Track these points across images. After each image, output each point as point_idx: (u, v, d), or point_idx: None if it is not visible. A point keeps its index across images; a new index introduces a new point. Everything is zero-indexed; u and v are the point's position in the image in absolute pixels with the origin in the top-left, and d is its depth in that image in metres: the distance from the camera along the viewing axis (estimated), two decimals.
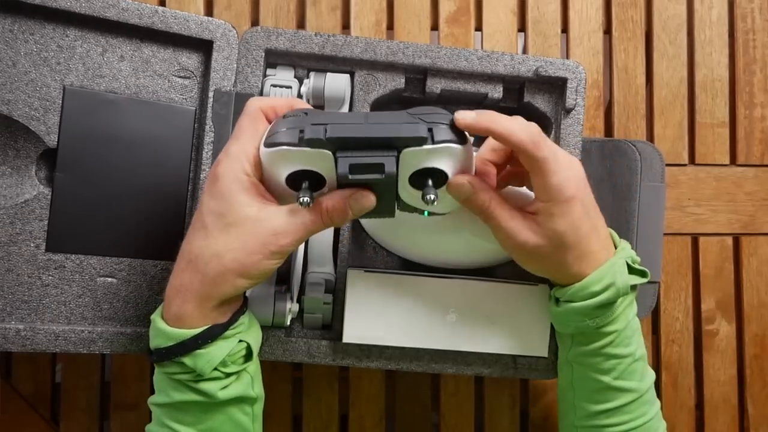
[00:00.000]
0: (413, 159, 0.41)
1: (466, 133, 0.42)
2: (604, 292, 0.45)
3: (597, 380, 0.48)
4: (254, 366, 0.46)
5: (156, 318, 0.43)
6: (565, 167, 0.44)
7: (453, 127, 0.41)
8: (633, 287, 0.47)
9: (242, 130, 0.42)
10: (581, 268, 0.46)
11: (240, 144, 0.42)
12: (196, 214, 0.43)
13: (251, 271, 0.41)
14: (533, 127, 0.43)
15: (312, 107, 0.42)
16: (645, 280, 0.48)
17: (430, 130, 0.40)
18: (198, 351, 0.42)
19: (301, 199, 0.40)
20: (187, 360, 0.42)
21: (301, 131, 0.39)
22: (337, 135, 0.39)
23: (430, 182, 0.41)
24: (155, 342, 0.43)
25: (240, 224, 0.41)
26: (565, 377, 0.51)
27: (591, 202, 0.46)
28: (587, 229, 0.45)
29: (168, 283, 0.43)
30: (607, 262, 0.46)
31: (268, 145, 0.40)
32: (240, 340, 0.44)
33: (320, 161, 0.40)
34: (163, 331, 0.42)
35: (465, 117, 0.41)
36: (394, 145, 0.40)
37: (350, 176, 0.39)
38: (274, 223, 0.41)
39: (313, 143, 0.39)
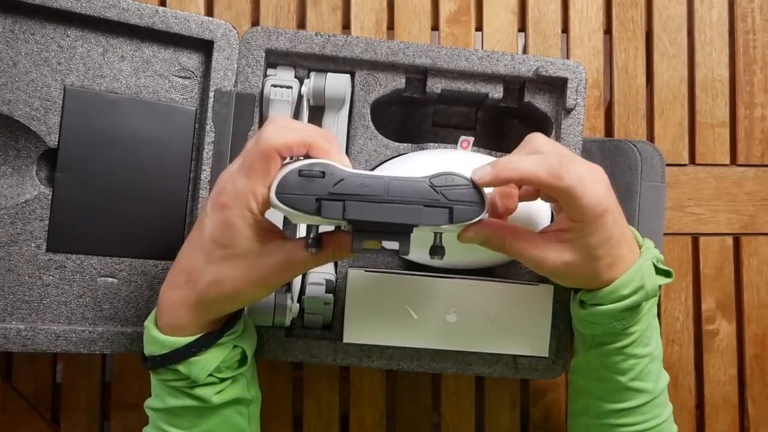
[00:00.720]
0: (427, 228, 0.41)
1: (485, 197, 0.41)
2: (634, 295, 0.45)
3: (614, 380, 0.47)
4: (250, 369, 0.46)
5: (150, 325, 0.43)
6: (592, 184, 0.42)
7: (473, 197, 0.40)
8: (659, 287, 0.47)
9: (253, 169, 0.39)
10: (611, 273, 0.44)
11: (250, 182, 0.39)
12: (196, 232, 0.42)
13: (249, 299, 0.43)
14: (551, 158, 0.42)
15: (327, 161, 0.40)
16: (670, 280, 0.47)
17: (450, 210, 0.40)
18: (192, 358, 0.42)
19: (309, 250, 0.40)
20: (181, 367, 0.42)
21: (318, 201, 0.39)
22: (355, 218, 0.38)
23: (438, 239, 0.42)
24: (149, 349, 0.43)
25: (243, 257, 0.41)
26: (582, 377, 0.51)
27: (617, 207, 0.44)
28: (617, 237, 0.44)
29: (162, 292, 0.43)
30: (635, 265, 0.45)
31: (281, 199, 0.39)
32: (235, 346, 0.44)
33: (334, 222, 0.41)
34: (157, 339, 0.42)
35: (483, 177, 0.41)
36: (412, 227, 0.40)
37: (363, 250, 0.40)
38: (277, 260, 0.41)
39: (329, 219, 0.39)
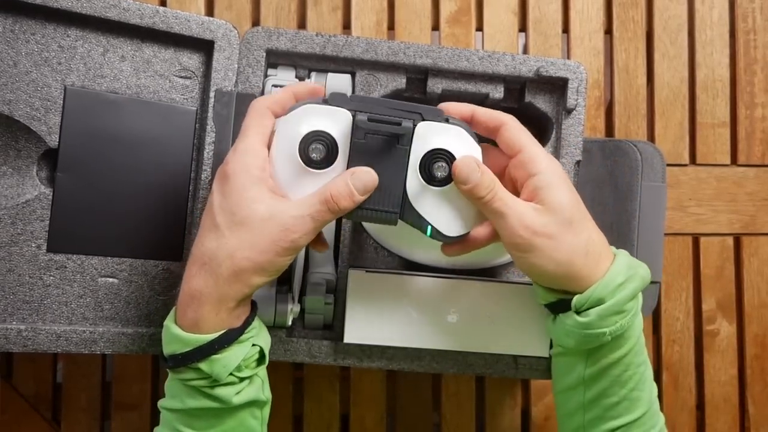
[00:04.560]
0: (428, 135, 0.42)
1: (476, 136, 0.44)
2: (630, 282, 0.44)
3: (616, 393, 0.46)
4: (264, 369, 0.46)
5: (170, 324, 0.43)
6: (541, 148, 0.45)
7: (466, 126, 0.44)
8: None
9: (249, 127, 0.42)
10: (592, 263, 0.44)
11: (248, 140, 0.42)
12: (206, 215, 0.43)
13: (266, 269, 0.42)
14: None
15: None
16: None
17: (446, 119, 0.43)
18: (214, 356, 0.42)
19: (312, 155, 0.42)
20: (203, 365, 0.42)
21: (324, 100, 0.42)
22: (360, 95, 0.42)
23: (439, 163, 0.43)
24: (170, 348, 0.43)
25: (250, 223, 0.41)
26: (575, 400, 0.48)
27: (578, 195, 0.45)
28: (586, 215, 0.45)
29: (180, 290, 0.43)
30: (617, 258, 0.45)
31: (288, 112, 0.43)
32: (253, 344, 0.44)
33: (338, 122, 0.42)
34: (179, 336, 0.42)
35: (451, 105, 0.45)
36: (412, 116, 0.42)
37: (369, 122, 0.41)
38: (283, 219, 0.41)
39: (335, 101, 0.41)
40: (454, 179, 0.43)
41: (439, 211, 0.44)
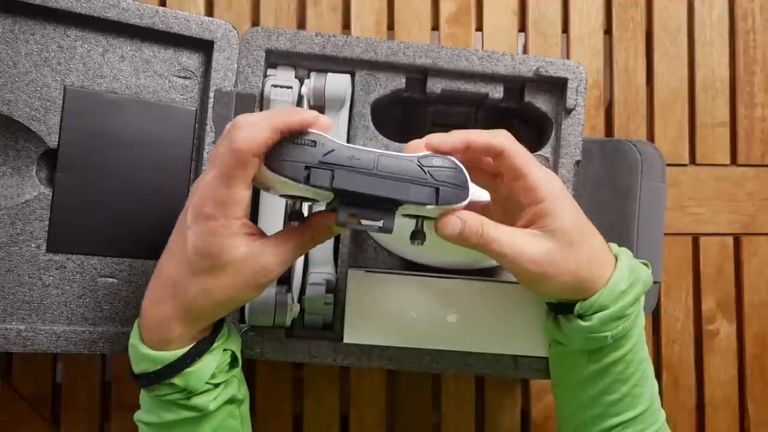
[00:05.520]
0: (411, 209, 0.41)
1: (469, 184, 0.41)
2: (633, 288, 0.44)
3: (617, 390, 0.46)
4: (239, 370, 0.46)
5: (136, 343, 0.42)
6: (541, 167, 0.44)
7: (460, 180, 0.41)
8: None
9: (233, 178, 0.38)
10: (596, 274, 0.44)
11: (231, 191, 0.39)
12: (177, 244, 0.41)
13: (242, 301, 0.42)
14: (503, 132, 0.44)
15: (319, 132, 0.39)
16: (650, 269, 0.47)
17: (437, 190, 0.40)
18: (187, 369, 0.41)
19: (291, 223, 0.41)
20: (177, 380, 0.41)
21: (307, 168, 0.38)
22: (343, 187, 0.38)
23: (419, 224, 0.42)
24: (140, 367, 0.42)
25: (229, 265, 0.40)
26: (576, 398, 0.48)
27: (578, 207, 0.45)
28: (587, 226, 0.44)
29: (145, 307, 0.42)
30: (619, 262, 0.45)
31: (269, 165, 0.39)
32: (224, 349, 0.44)
33: (319, 195, 0.40)
34: (148, 355, 0.41)
35: (445, 141, 0.42)
36: (398, 203, 0.40)
37: (347, 225, 0.40)
38: (262, 260, 0.40)
39: (317, 187, 0.38)
40: (437, 235, 0.42)
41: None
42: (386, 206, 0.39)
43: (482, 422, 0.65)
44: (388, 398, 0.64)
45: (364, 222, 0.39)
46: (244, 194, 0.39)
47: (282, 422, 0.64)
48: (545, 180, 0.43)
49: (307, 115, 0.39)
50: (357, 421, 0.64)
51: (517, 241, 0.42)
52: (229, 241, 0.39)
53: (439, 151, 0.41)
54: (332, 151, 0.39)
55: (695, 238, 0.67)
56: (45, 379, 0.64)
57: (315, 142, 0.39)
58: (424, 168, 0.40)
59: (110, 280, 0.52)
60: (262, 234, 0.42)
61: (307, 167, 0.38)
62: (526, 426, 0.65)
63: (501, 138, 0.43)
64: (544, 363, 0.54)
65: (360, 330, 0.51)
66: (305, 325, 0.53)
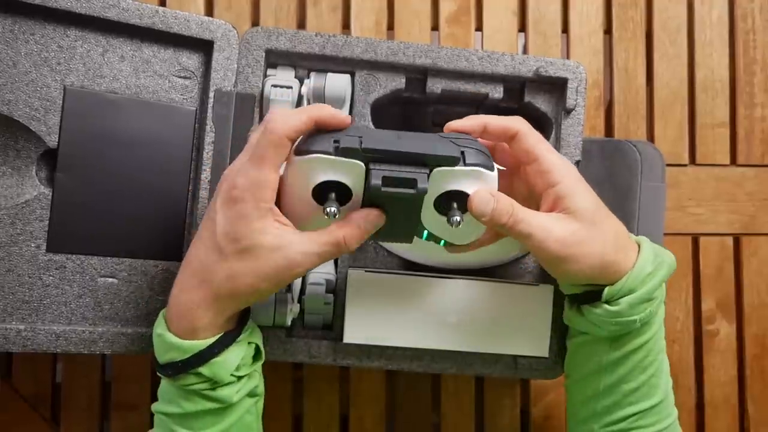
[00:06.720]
0: (443, 179, 0.41)
1: (493, 162, 0.43)
2: (658, 270, 0.45)
3: (635, 378, 0.47)
4: (260, 365, 0.47)
5: (164, 333, 0.43)
6: (555, 152, 0.45)
7: (482, 152, 0.42)
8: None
9: (265, 159, 0.40)
10: (621, 256, 0.45)
11: (262, 173, 0.40)
12: (206, 231, 0.42)
13: (265, 293, 0.42)
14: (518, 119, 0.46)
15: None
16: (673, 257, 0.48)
17: (462, 152, 0.41)
18: (214, 359, 0.42)
19: (327, 210, 0.40)
20: (204, 370, 0.42)
21: (336, 141, 0.40)
22: (372, 146, 0.39)
23: (455, 205, 0.42)
24: (168, 356, 0.42)
25: (256, 251, 0.40)
26: (591, 388, 0.49)
27: (594, 193, 0.46)
28: (606, 210, 0.45)
29: (174, 296, 0.43)
30: (643, 246, 0.46)
31: (299, 152, 0.40)
32: (249, 342, 0.45)
33: (351, 173, 0.40)
34: (177, 344, 0.42)
35: (457, 123, 0.45)
36: (427, 164, 0.40)
37: (383, 188, 0.39)
38: (290, 254, 0.41)
39: (347, 153, 0.39)
40: (470, 213, 0.42)
41: (452, 231, 0.44)
42: (417, 167, 0.40)
43: (482, 422, 0.65)
44: (388, 398, 0.64)
45: (399, 190, 0.40)
46: (273, 176, 0.40)
47: (282, 422, 0.64)
48: (559, 163, 0.44)
49: (342, 114, 0.41)
50: (357, 421, 0.64)
51: (544, 221, 0.43)
52: (256, 224, 0.40)
53: (459, 131, 0.44)
54: (355, 128, 0.41)
55: (695, 239, 0.67)
56: (45, 379, 0.64)
57: (340, 131, 0.41)
58: (445, 137, 0.42)
59: (110, 280, 0.52)
60: (293, 229, 0.42)
61: (335, 141, 0.40)
62: (526, 426, 0.65)
63: (516, 122, 0.45)
64: (544, 363, 0.54)
65: (360, 330, 0.51)
66: (305, 325, 0.53)
